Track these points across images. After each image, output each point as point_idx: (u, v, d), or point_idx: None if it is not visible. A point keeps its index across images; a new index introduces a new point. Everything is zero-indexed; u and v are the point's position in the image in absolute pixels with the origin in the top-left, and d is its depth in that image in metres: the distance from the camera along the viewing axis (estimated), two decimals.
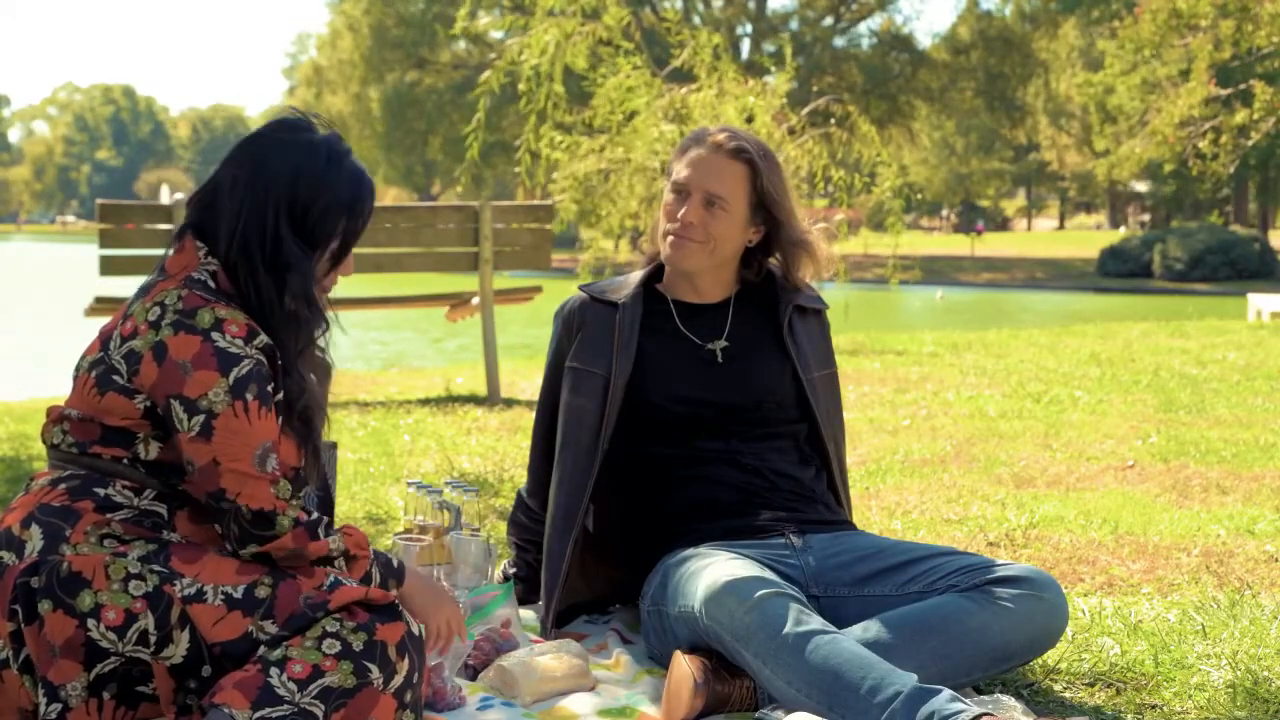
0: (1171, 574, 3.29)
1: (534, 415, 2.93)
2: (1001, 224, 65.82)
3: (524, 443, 4.96)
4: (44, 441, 2.20)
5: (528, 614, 2.87)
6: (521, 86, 9.93)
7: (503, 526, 3.45)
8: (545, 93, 9.83)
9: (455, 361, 12.01)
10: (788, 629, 2.21)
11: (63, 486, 2.12)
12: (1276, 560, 3.42)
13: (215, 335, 2.08)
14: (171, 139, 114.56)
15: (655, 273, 2.84)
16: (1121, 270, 32.65)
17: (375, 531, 3.78)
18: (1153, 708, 2.38)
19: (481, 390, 7.23)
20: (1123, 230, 48.43)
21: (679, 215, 2.69)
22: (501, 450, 5.18)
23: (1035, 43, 37.54)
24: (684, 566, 2.50)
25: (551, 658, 2.44)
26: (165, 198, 9.92)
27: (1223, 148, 19.73)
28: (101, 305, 7.36)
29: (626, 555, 2.78)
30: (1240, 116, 19.57)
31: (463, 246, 6.96)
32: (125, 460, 2.13)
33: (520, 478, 4.44)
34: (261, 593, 2.04)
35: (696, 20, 34.39)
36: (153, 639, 2.00)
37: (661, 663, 2.55)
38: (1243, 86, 20.72)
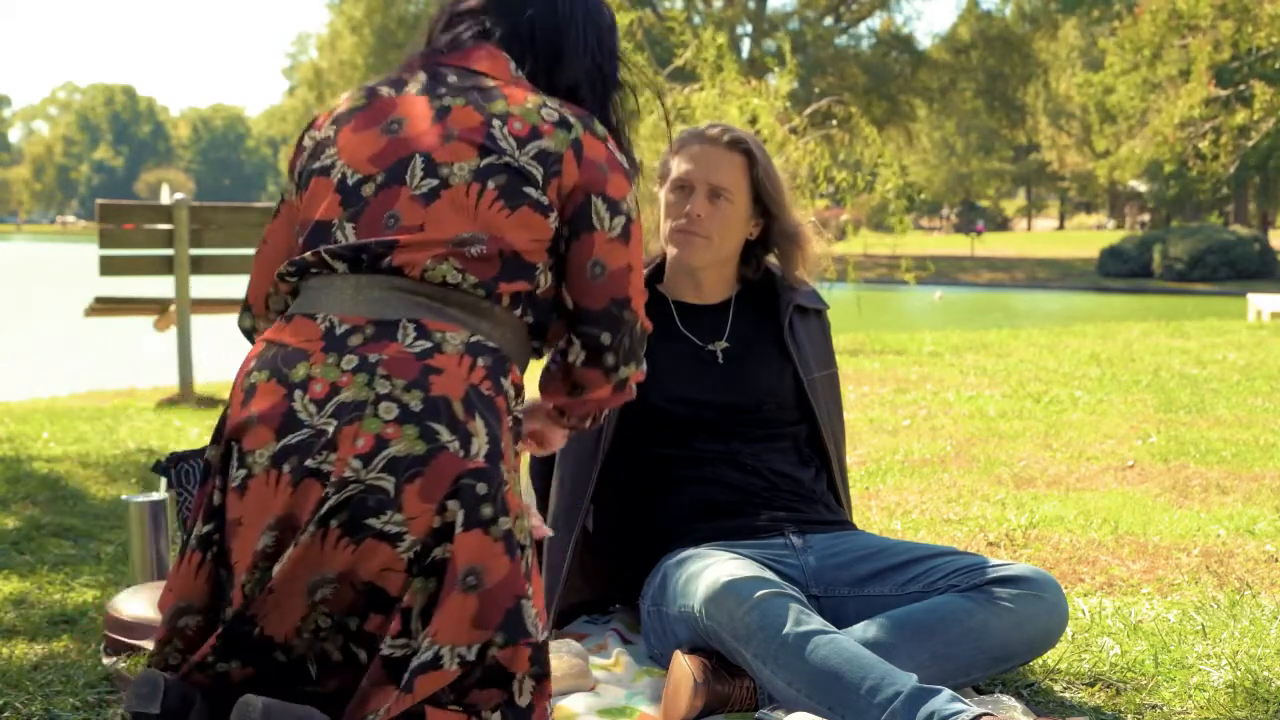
0: (1171, 574, 3.29)
1: None
2: (1001, 224, 65.86)
3: None
4: (422, 277, 1.88)
5: None
6: None
7: None
8: None
9: None
10: (788, 629, 2.21)
11: (482, 365, 1.88)
12: (1276, 560, 3.42)
13: (612, 148, 2.02)
14: (171, 139, 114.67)
15: (655, 274, 2.85)
16: (1122, 270, 32.69)
17: None
18: (1153, 708, 2.38)
19: None
20: (1111, 223, 48.39)
21: (685, 210, 2.70)
22: None
23: (1035, 43, 37.57)
24: (684, 566, 2.50)
25: (551, 657, 2.44)
26: (165, 198, 9.94)
27: (1223, 148, 19.75)
28: (101, 305, 7.37)
29: (626, 555, 2.78)
30: (1240, 117, 19.58)
31: None
32: (526, 295, 1.92)
33: None
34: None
35: (696, 20, 34.39)
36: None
37: (661, 663, 2.55)
38: (1242, 87, 20.73)
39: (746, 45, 35.54)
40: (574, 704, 2.37)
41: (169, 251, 6.84)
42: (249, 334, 2.15)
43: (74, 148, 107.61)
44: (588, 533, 2.76)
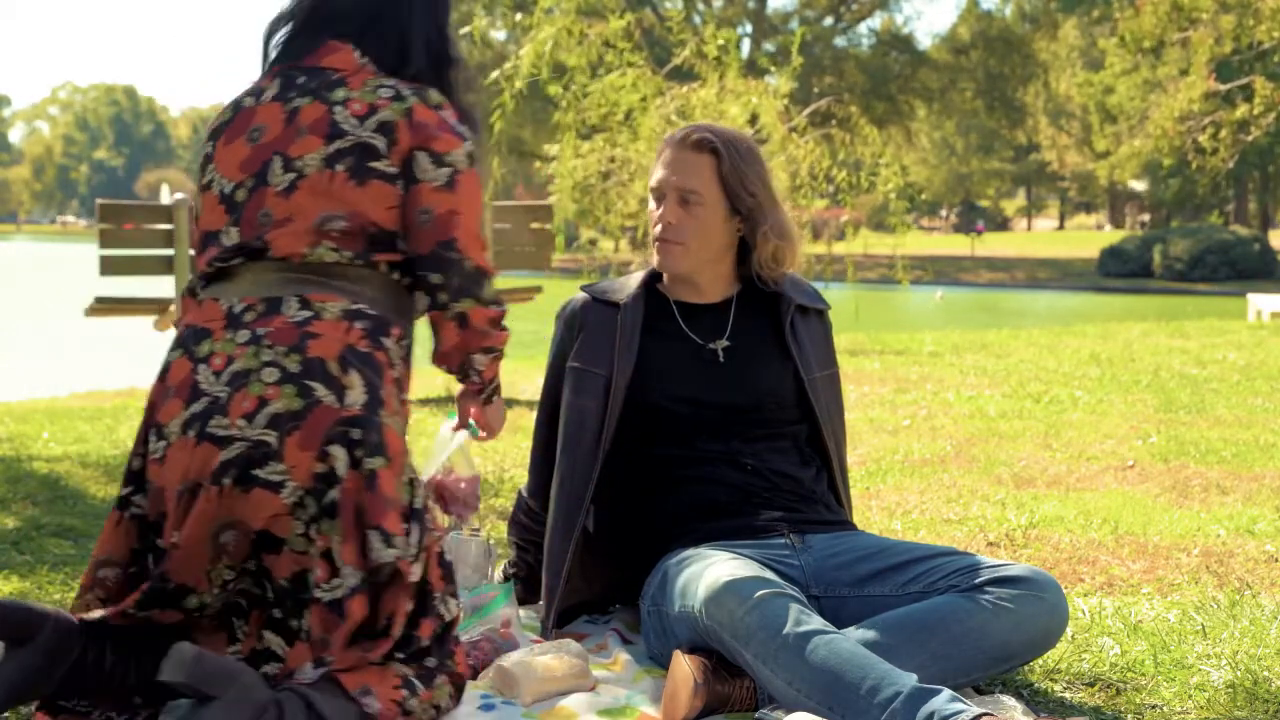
0: (1171, 574, 3.29)
1: (535, 415, 2.93)
2: (1001, 224, 65.85)
3: (524, 443, 4.96)
4: (304, 261, 2.14)
5: (528, 614, 2.88)
6: (553, 89, 10.03)
7: (503, 526, 3.45)
8: (576, 93, 9.91)
9: None
10: (788, 629, 2.21)
11: (359, 327, 2.13)
12: (1276, 560, 3.42)
13: (444, 114, 2.21)
14: (171, 139, 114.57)
15: (656, 274, 2.85)
16: (1122, 270, 32.67)
17: None
18: (1153, 708, 2.38)
19: None
20: (1109, 226, 48.36)
21: (659, 218, 2.71)
22: (501, 450, 5.18)
23: (1035, 43, 37.55)
24: (684, 566, 2.50)
25: (551, 658, 2.44)
26: (165, 198, 9.94)
27: (1222, 142, 19.71)
28: (101, 305, 7.36)
29: (627, 555, 2.78)
30: (1240, 111, 19.55)
31: None
32: (396, 265, 2.16)
33: (520, 478, 4.44)
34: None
35: (697, 20, 34.38)
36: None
37: (661, 663, 2.56)
38: (1243, 82, 20.70)
39: (747, 46, 35.52)
40: (574, 704, 2.37)
41: (169, 251, 6.83)
42: None
43: (74, 148, 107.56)
44: (588, 533, 2.76)
